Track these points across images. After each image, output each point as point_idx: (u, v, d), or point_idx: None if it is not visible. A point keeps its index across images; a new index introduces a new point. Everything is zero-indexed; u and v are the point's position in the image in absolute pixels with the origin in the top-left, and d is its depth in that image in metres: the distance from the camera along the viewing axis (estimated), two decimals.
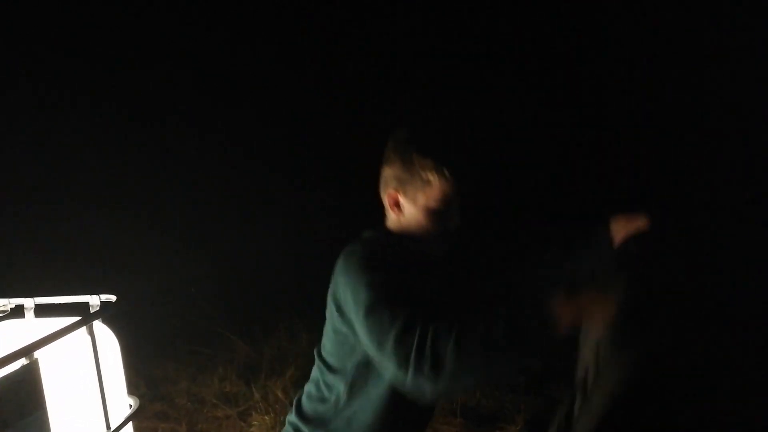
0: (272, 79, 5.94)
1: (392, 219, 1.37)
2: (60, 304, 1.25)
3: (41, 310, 1.24)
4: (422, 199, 1.29)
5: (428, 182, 1.27)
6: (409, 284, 1.20)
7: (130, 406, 1.28)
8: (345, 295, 1.29)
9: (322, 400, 1.38)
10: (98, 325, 1.20)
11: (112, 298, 1.27)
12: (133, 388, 1.37)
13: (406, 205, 1.32)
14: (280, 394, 3.20)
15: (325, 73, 6.02)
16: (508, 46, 5.85)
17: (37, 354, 1.01)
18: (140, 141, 5.61)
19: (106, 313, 1.21)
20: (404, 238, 1.35)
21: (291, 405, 3.12)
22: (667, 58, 5.70)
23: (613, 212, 1.41)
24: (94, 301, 1.27)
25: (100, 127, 5.50)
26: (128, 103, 5.64)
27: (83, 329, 1.12)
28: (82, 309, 1.23)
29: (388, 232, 1.37)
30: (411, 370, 1.06)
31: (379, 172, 1.38)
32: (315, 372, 1.44)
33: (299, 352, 3.82)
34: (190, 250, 5.07)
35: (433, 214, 1.30)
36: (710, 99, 5.45)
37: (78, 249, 4.72)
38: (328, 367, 1.38)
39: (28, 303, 1.25)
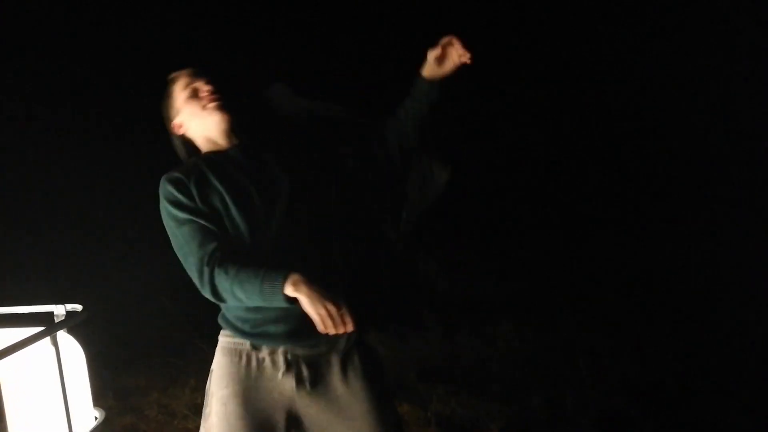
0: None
1: (181, 138, 1.60)
2: (23, 313, 1.21)
3: (2, 320, 1.20)
4: (182, 109, 1.55)
5: (176, 95, 1.55)
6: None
7: (96, 418, 1.25)
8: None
9: None
10: (63, 336, 1.17)
11: (78, 307, 1.24)
12: (100, 400, 1.33)
13: (183, 123, 1.56)
14: None
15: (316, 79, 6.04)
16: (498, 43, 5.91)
17: None
18: (102, 143, 5.51)
19: (71, 322, 1.18)
20: (194, 153, 1.57)
21: None
22: (667, 58, 5.80)
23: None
24: (59, 310, 1.23)
25: (63, 131, 5.39)
26: (85, 106, 5.54)
27: (47, 340, 1.09)
28: (46, 319, 1.19)
29: (187, 154, 1.60)
30: (199, 286, 1.43)
31: None
32: None
33: None
34: (161, 256, 4.99)
35: (193, 114, 1.53)
36: (710, 99, 5.56)
37: (42, 256, 4.60)
38: None
39: None
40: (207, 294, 1.40)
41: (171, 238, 1.48)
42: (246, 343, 1.46)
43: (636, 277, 4.64)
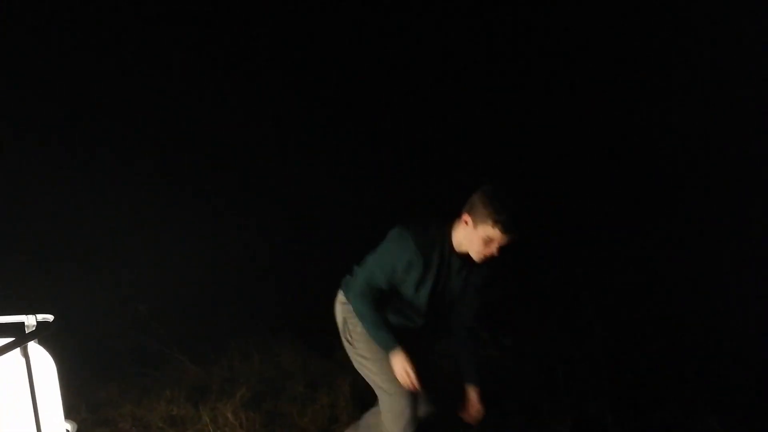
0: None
1: (457, 225, 2.11)
2: None
3: None
4: (478, 227, 2.03)
5: (485, 223, 2.00)
6: (398, 276, 2.15)
7: (68, 431, 1.23)
8: (378, 250, 2.22)
9: None
10: (33, 347, 1.15)
11: (49, 317, 1.22)
12: (72, 413, 1.31)
13: (468, 225, 2.06)
14: (230, 417, 3.11)
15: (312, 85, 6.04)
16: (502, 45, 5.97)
17: None
18: (74, 150, 5.43)
19: (42, 333, 1.16)
20: (449, 240, 2.14)
21: (241, 427, 3.05)
22: (667, 58, 5.89)
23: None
24: (29, 321, 1.21)
25: (30, 138, 5.30)
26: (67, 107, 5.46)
27: (17, 351, 1.07)
28: (16, 329, 1.17)
29: (446, 231, 2.13)
30: (354, 287, 2.26)
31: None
32: None
33: (250, 372, 3.74)
34: (136, 265, 4.91)
35: (476, 240, 2.05)
36: (708, 99, 5.66)
37: (12, 264, 4.49)
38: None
39: None
40: (352, 294, 2.25)
41: (378, 253, 2.20)
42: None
43: (611, 284, 4.71)
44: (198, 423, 3.12)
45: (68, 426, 1.24)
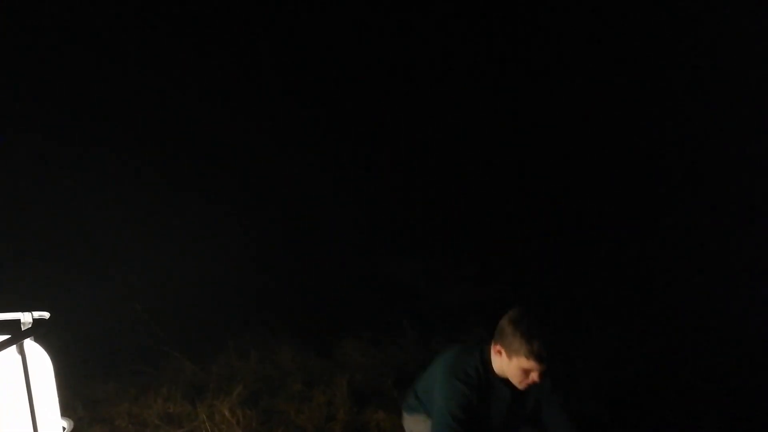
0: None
1: (492, 354, 2.07)
2: None
3: None
4: (512, 359, 1.98)
5: (519, 354, 1.95)
6: (464, 409, 2.03)
7: (64, 428, 1.23)
8: (437, 393, 2.10)
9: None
10: (29, 344, 1.14)
11: (45, 314, 1.21)
12: (69, 411, 1.31)
13: (502, 356, 2.02)
14: (227, 414, 3.11)
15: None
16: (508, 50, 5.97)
17: None
18: (70, 148, 5.42)
19: (38, 330, 1.15)
20: (491, 369, 2.09)
21: (238, 425, 3.05)
22: (667, 58, 5.88)
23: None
24: (25, 318, 1.21)
25: (26, 136, 5.29)
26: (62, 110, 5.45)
27: (13, 348, 1.07)
28: (12, 327, 1.17)
29: (487, 363, 2.09)
30: None
31: None
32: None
33: (248, 370, 3.74)
34: (133, 262, 4.91)
35: (513, 371, 2.00)
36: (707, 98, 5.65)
37: (8, 261, 4.48)
38: (419, 400, 2.30)
39: None
40: None
41: (439, 398, 2.09)
42: None
43: (609, 283, 4.71)
44: (195, 420, 3.12)
45: (65, 423, 1.23)
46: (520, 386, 2.02)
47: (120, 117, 5.64)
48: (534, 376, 1.96)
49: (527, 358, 1.93)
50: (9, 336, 1.07)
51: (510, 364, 1.98)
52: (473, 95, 6.33)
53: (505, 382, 2.08)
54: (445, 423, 2.01)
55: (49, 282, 4.34)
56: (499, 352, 2.01)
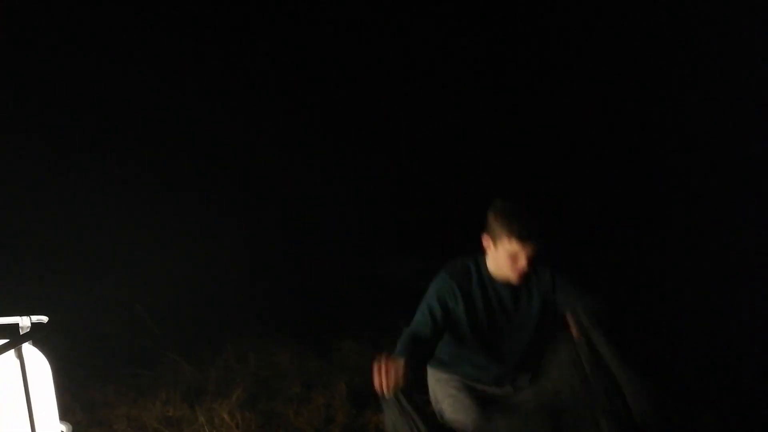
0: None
1: (488, 255, 2.06)
2: None
3: None
4: (498, 247, 2.00)
5: (501, 238, 1.98)
6: (441, 302, 2.03)
7: None
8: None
9: None
10: (28, 348, 1.14)
11: (44, 319, 1.22)
12: (67, 414, 1.31)
13: (491, 248, 2.03)
14: (226, 417, 3.11)
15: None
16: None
17: None
18: (69, 150, 5.41)
19: (36, 335, 1.16)
20: (485, 270, 2.08)
21: (237, 428, 3.05)
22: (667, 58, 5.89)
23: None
24: (23, 322, 1.21)
25: (29, 131, 5.29)
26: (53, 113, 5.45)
27: (11, 352, 1.07)
28: (10, 331, 1.17)
29: (479, 261, 2.09)
30: None
31: None
32: None
33: (247, 373, 3.73)
34: (131, 266, 4.90)
35: (502, 261, 2.01)
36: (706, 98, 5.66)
37: (6, 266, 4.47)
38: None
39: None
40: None
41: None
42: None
43: (609, 281, 4.71)
44: (194, 424, 3.11)
45: (63, 427, 1.23)
46: (513, 276, 2.00)
47: (119, 117, 5.63)
48: (522, 261, 1.96)
49: (509, 239, 1.95)
50: (8, 340, 1.07)
51: (498, 254, 2.00)
52: (473, 95, 6.34)
53: (504, 284, 2.06)
54: (417, 316, 2.04)
55: (47, 286, 4.34)
56: (488, 245, 2.03)
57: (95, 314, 4.29)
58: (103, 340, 4.09)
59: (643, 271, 4.88)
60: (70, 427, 1.23)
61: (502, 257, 1.99)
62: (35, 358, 1.18)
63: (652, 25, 6.01)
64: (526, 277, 2.02)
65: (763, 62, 5.46)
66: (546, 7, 6.23)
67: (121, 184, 5.47)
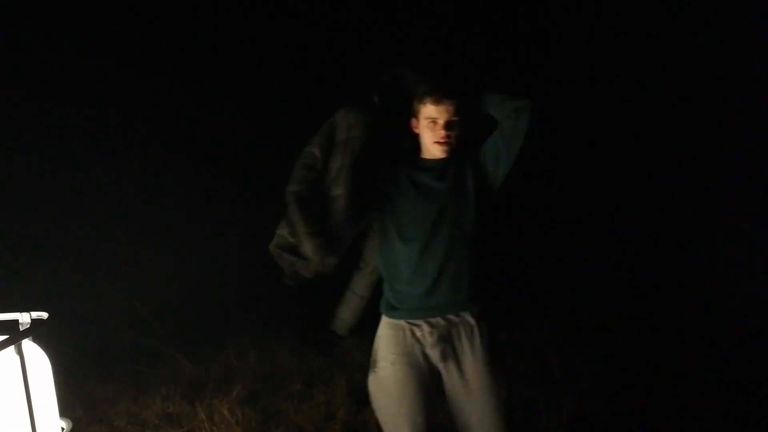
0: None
1: (420, 137, 1.89)
2: None
3: None
4: (418, 117, 1.85)
5: (417, 106, 1.84)
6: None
7: (63, 429, 1.22)
8: None
9: None
10: (28, 344, 1.14)
11: (44, 315, 1.21)
12: (68, 411, 1.30)
13: (414, 122, 1.88)
14: (226, 413, 3.11)
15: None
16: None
17: None
18: (68, 147, 5.40)
19: (36, 331, 1.15)
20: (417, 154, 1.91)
21: (237, 424, 3.05)
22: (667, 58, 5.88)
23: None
24: (24, 318, 1.21)
25: (29, 128, 5.28)
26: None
27: (11, 349, 1.06)
28: (10, 327, 1.16)
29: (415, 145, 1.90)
30: None
31: None
32: None
33: (247, 370, 3.74)
34: (131, 262, 4.90)
35: (423, 130, 1.85)
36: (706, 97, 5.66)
37: (5, 262, 4.47)
38: None
39: None
40: None
41: None
42: (402, 321, 1.89)
43: (607, 279, 4.72)
44: (194, 420, 3.11)
45: (63, 424, 1.23)
46: (436, 148, 1.83)
47: (118, 115, 5.63)
48: (440, 126, 1.80)
49: (422, 101, 1.82)
50: (7, 336, 1.07)
51: (419, 124, 1.85)
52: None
53: (433, 164, 1.87)
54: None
55: (47, 282, 4.34)
56: (416, 126, 1.88)
57: (96, 310, 4.29)
58: (103, 337, 4.09)
59: (643, 271, 4.88)
60: (71, 423, 1.23)
61: (423, 127, 1.84)
62: (35, 354, 1.18)
63: (651, 24, 6.00)
64: (452, 150, 1.84)
65: (763, 62, 5.46)
66: (544, 6, 6.22)
67: (122, 181, 5.46)
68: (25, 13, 5.34)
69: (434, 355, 1.86)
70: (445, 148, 1.84)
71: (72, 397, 3.23)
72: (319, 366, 3.75)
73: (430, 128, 1.83)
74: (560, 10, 6.12)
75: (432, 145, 1.84)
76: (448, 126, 1.81)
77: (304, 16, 6.10)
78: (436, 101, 1.80)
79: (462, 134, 1.86)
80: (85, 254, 4.93)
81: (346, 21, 6.11)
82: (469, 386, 1.84)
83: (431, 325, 1.87)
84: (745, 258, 4.61)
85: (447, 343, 1.86)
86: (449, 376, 1.86)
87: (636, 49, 6.03)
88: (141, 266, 4.83)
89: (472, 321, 1.88)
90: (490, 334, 1.89)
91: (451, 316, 1.87)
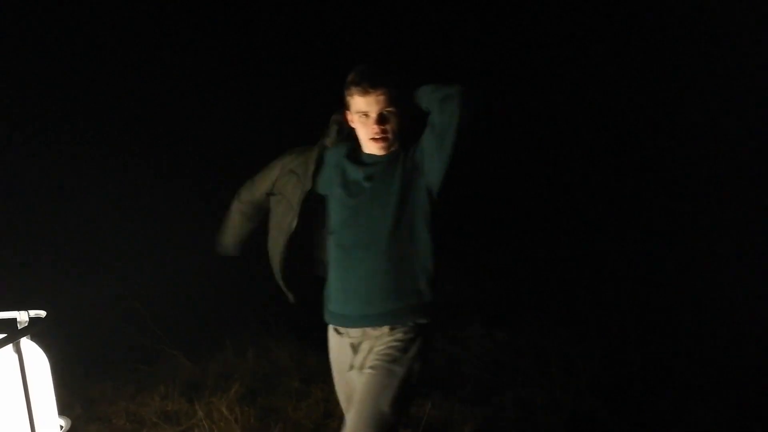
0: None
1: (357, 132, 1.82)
2: None
3: None
4: (351, 111, 1.78)
5: (347, 98, 1.77)
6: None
7: (61, 427, 1.22)
8: None
9: None
10: (26, 343, 1.14)
11: (42, 313, 1.21)
12: (66, 409, 1.30)
13: (349, 116, 1.81)
14: (225, 411, 3.11)
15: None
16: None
17: None
18: (66, 145, 5.40)
19: (34, 329, 1.15)
20: (358, 149, 1.83)
21: (236, 422, 3.05)
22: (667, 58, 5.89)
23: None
24: (21, 316, 1.20)
25: (27, 127, 5.28)
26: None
27: (9, 347, 1.06)
28: (8, 325, 1.16)
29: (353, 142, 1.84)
30: None
31: None
32: None
33: (246, 368, 3.74)
34: (130, 260, 4.89)
35: (356, 125, 1.78)
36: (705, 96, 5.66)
37: (4, 260, 4.46)
38: None
39: None
40: None
41: None
42: (330, 326, 1.96)
43: (605, 279, 4.72)
44: (193, 418, 3.11)
45: (62, 422, 1.23)
46: (372, 143, 1.75)
47: (117, 114, 5.62)
48: (372, 120, 1.70)
49: (350, 93, 1.72)
50: (5, 335, 1.07)
51: (354, 119, 1.76)
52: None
53: (367, 160, 1.80)
54: None
55: (45, 280, 4.33)
56: (351, 121, 1.79)
57: (94, 309, 4.28)
58: (101, 335, 4.08)
59: (642, 270, 4.88)
60: (69, 421, 1.23)
61: (356, 123, 1.75)
62: (33, 352, 1.17)
63: (651, 24, 6.00)
64: (390, 146, 1.75)
65: (763, 62, 5.46)
66: (543, 5, 6.22)
67: (120, 179, 5.46)
68: (25, 13, 5.33)
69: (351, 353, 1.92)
70: (381, 144, 1.73)
71: (70, 396, 3.22)
72: (317, 364, 3.74)
73: (363, 122, 1.73)
74: (560, 10, 6.13)
75: (368, 141, 1.75)
76: (380, 120, 1.70)
77: (302, 16, 6.10)
78: (363, 92, 1.69)
79: (402, 130, 1.75)
80: (83, 252, 4.92)
81: (343, 20, 6.11)
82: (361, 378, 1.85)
83: (348, 336, 1.89)
84: (744, 258, 4.61)
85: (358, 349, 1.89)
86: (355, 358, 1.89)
87: (636, 49, 6.03)
88: (139, 265, 4.82)
89: (386, 338, 1.77)
90: (403, 350, 1.75)
91: (369, 329, 1.81)
